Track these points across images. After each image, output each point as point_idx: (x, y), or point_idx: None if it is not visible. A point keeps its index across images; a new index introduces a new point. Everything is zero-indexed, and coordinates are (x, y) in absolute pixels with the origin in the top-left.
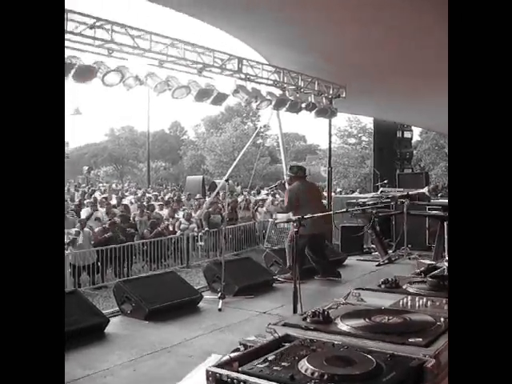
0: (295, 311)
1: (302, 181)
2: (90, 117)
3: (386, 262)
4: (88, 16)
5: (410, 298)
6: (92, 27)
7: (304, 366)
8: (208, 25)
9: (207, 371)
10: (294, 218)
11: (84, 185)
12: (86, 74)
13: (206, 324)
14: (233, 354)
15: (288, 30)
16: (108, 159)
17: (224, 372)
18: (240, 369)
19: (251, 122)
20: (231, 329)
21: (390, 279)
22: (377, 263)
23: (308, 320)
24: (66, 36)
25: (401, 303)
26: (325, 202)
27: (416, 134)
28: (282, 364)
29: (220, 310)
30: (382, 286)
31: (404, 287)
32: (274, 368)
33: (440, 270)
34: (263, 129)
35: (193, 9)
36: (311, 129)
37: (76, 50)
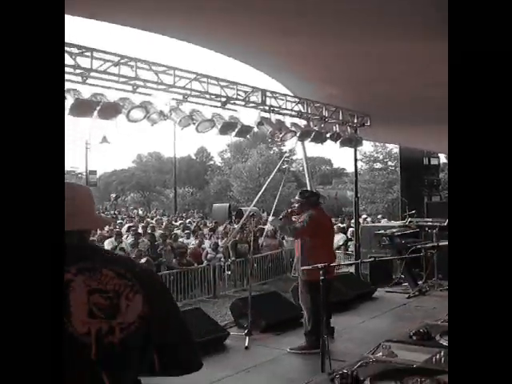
0: (323, 370)
1: (316, 210)
2: (118, 144)
3: (417, 293)
4: (113, 54)
5: (443, 352)
6: (117, 64)
7: None
8: (231, 59)
9: None
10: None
11: (112, 211)
12: (111, 110)
13: (232, 364)
14: None
15: (310, 62)
16: (135, 186)
17: None
18: None
19: (277, 147)
20: (258, 370)
21: (421, 330)
22: (407, 295)
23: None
24: (92, 74)
25: (434, 360)
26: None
27: (444, 156)
28: None
29: (247, 347)
30: (414, 338)
31: (437, 339)
32: None
33: None
34: (288, 153)
35: (217, 45)
36: (337, 152)
37: (101, 87)
